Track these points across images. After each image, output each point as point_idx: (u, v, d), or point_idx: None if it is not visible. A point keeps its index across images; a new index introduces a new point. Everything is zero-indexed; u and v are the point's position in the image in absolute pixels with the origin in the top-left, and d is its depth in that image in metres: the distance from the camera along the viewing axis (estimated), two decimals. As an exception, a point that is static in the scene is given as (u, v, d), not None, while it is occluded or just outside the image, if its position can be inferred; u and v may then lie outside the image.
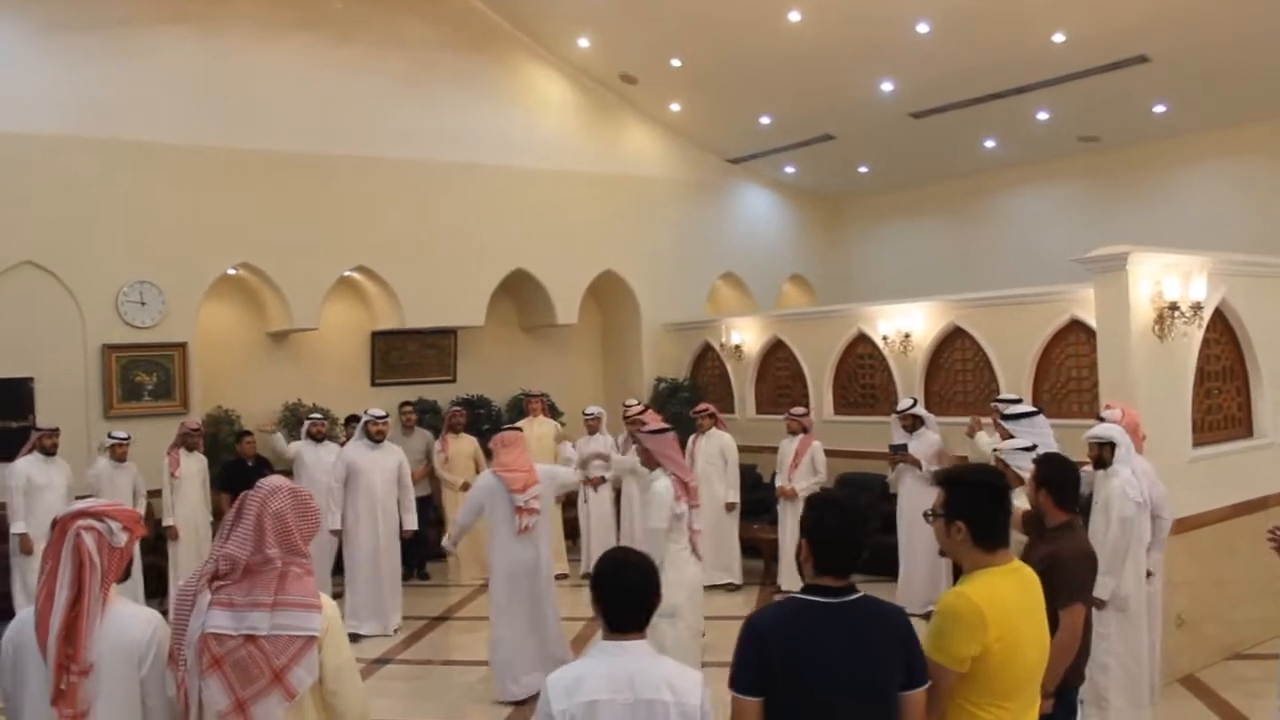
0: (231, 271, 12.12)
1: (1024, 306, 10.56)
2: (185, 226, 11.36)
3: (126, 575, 3.47)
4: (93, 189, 10.95)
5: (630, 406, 10.61)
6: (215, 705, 3.24)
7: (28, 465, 9.16)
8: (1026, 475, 4.93)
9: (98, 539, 3.29)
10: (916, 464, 9.06)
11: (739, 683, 3.03)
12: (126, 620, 3.32)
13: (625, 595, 3.12)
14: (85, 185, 10.91)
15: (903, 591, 9.27)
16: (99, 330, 10.96)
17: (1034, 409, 6.87)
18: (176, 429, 10.43)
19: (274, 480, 3.48)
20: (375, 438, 9.63)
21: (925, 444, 9.13)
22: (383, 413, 9.82)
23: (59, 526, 3.32)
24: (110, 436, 9.86)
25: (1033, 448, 5.61)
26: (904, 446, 9.12)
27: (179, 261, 11.32)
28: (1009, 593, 3.21)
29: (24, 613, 3.38)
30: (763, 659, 2.97)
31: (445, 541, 8.64)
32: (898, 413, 9.39)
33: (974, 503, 3.26)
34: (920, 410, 9.32)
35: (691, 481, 6.81)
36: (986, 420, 9.22)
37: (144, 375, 11.10)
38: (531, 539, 7.51)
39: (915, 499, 9.16)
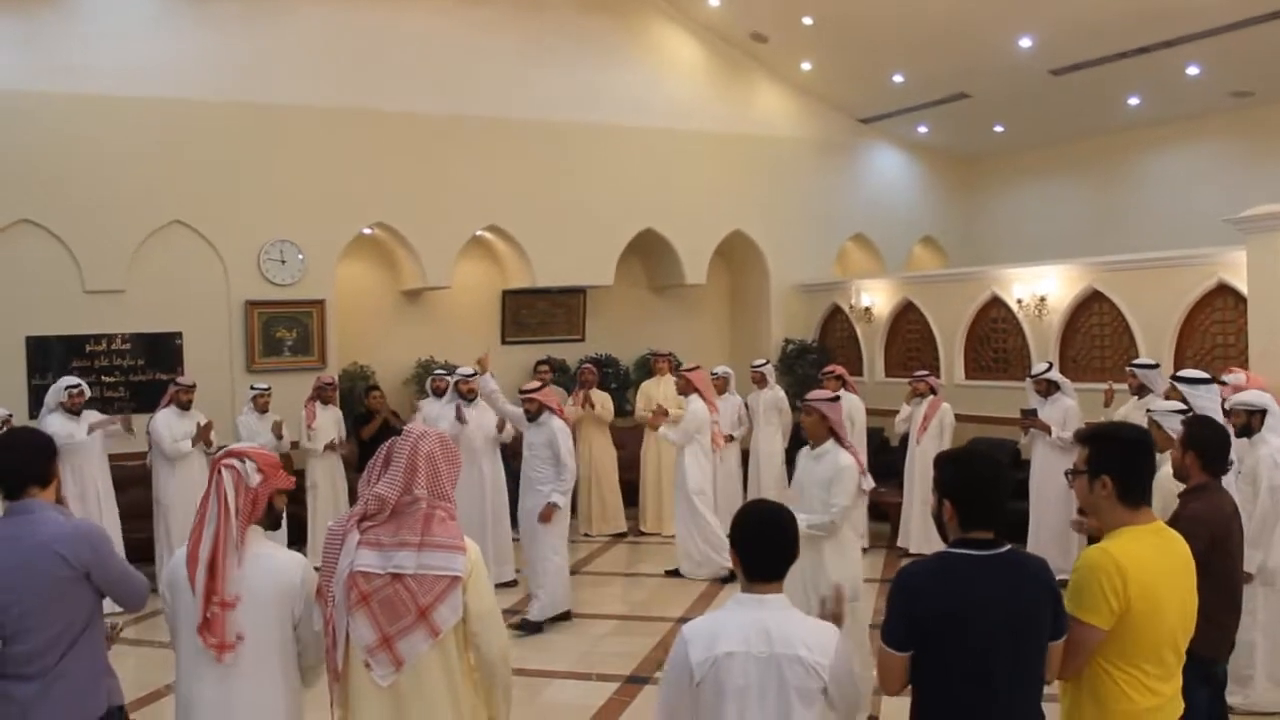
0: (367, 231, 12.43)
1: (1168, 270, 10.22)
2: (324, 188, 11.69)
3: (276, 524, 3.64)
4: (238, 151, 11.34)
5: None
6: (362, 640, 3.38)
7: (166, 418, 9.54)
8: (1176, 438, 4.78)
9: (235, 477, 3.48)
10: (1048, 430, 8.85)
11: (890, 636, 3.09)
12: (276, 561, 3.51)
13: (767, 545, 3.15)
14: (231, 147, 11.30)
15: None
16: (242, 287, 11.39)
17: (1208, 376, 6.67)
18: (312, 383, 10.80)
19: (421, 425, 3.63)
20: (467, 396, 9.71)
21: (1059, 409, 8.92)
22: (471, 370, 9.87)
23: (212, 467, 3.55)
24: (252, 388, 10.27)
25: (1185, 412, 5.45)
26: (1035, 411, 8.92)
27: (317, 221, 11.67)
28: (1151, 552, 3.18)
29: (180, 551, 3.58)
30: (916, 613, 3.04)
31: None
32: (1032, 377, 9.18)
33: (1121, 458, 3.23)
34: (1055, 375, 9.10)
35: (862, 459, 6.30)
36: (1120, 386, 9.02)
37: (284, 331, 11.50)
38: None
39: (1047, 466, 8.98)
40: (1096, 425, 3.68)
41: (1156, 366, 8.69)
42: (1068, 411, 8.87)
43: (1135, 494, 3.22)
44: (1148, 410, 5.90)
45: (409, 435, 3.52)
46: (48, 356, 10.56)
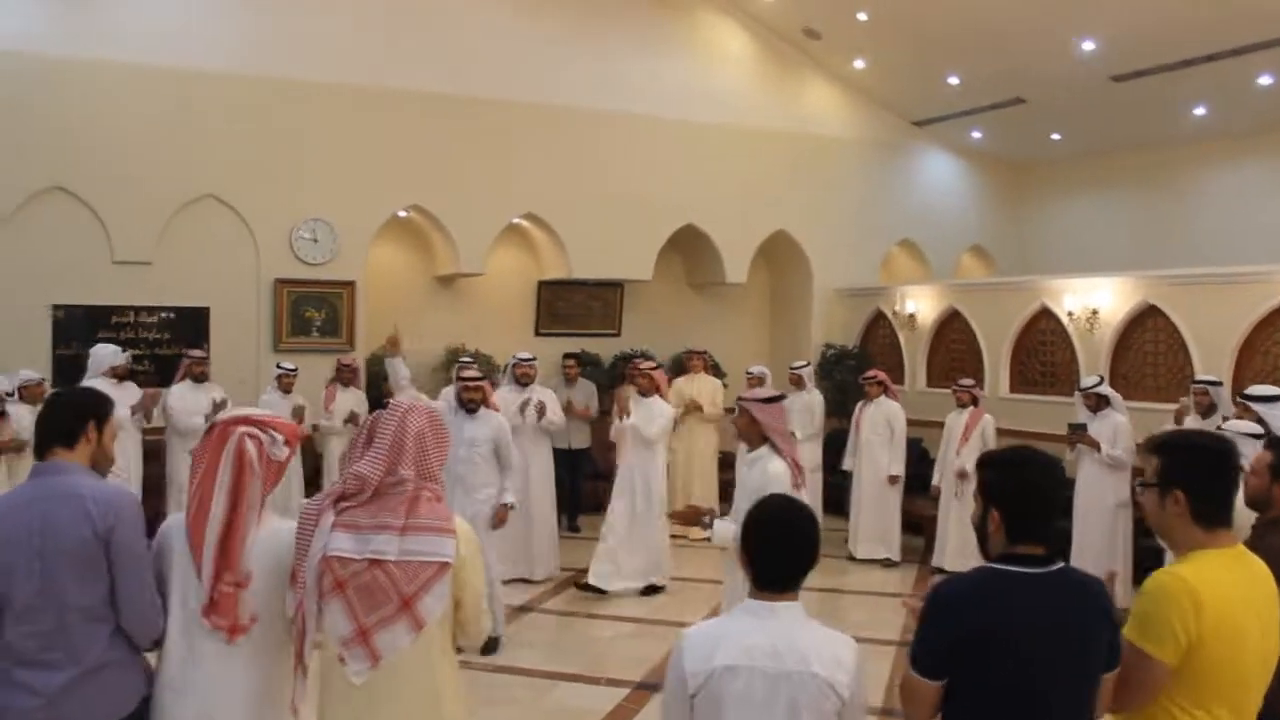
0: (402, 214, 12.21)
1: (1229, 286, 9.81)
2: (360, 167, 11.47)
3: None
4: (273, 126, 11.14)
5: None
6: (337, 631, 3.07)
7: (181, 392, 9.37)
8: (1246, 464, 4.35)
9: (259, 448, 3.19)
10: (1097, 446, 8.42)
11: (922, 663, 2.72)
12: (284, 535, 3.21)
13: (783, 548, 2.80)
14: (266, 122, 11.10)
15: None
16: (272, 265, 11.19)
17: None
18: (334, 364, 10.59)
19: (409, 399, 3.30)
20: (521, 380, 9.49)
21: (1109, 426, 8.48)
22: (529, 355, 9.75)
23: (218, 431, 3.21)
24: (279, 367, 10.07)
25: (1262, 435, 5.08)
26: (1084, 426, 8.50)
27: (352, 201, 11.45)
28: (1230, 579, 2.77)
29: (176, 515, 3.29)
30: (953, 636, 2.66)
31: None
32: (1082, 390, 8.75)
33: (1197, 469, 2.83)
34: (1106, 389, 8.67)
35: (801, 464, 5.52)
36: (1165, 406, 8.63)
37: (313, 311, 11.30)
38: None
39: (1093, 484, 8.55)
40: (1171, 432, 3.24)
41: (1221, 384, 8.25)
42: (1118, 428, 8.45)
43: (1212, 513, 2.81)
44: (1217, 428, 5.53)
45: (395, 410, 3.22)
46: (73, 326, 10.39)
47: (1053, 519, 2.77)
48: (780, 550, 2.79)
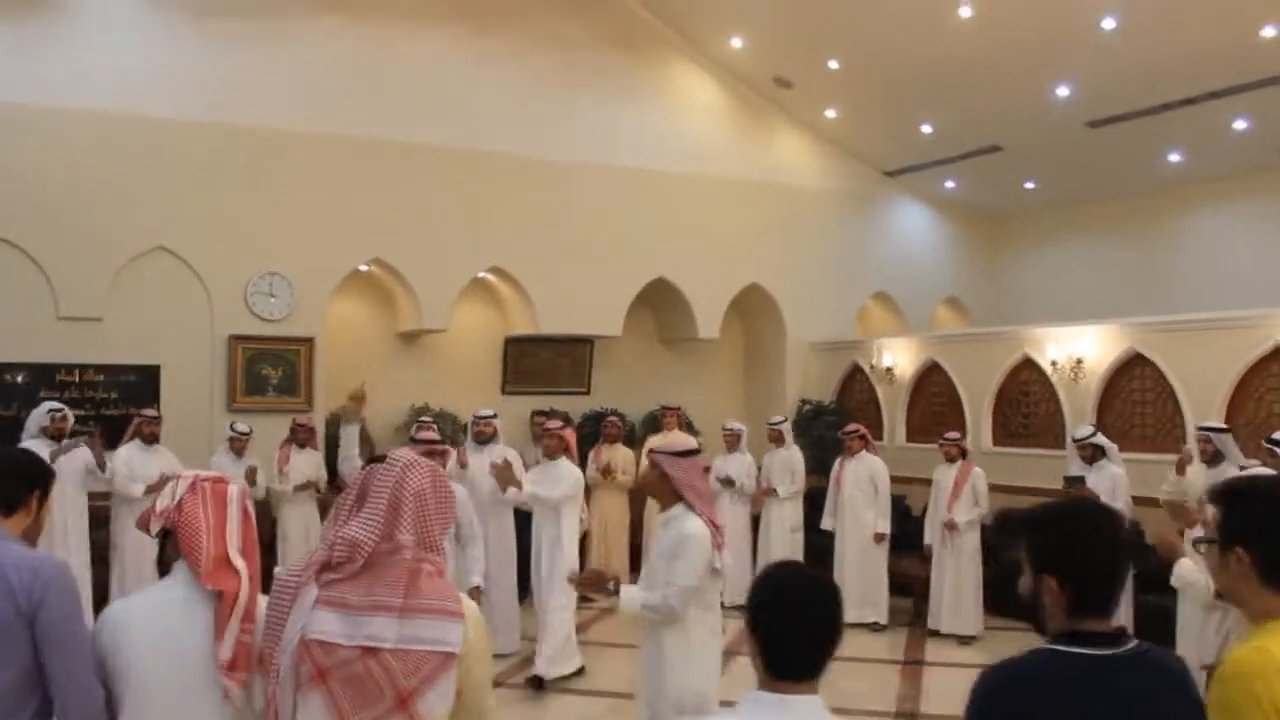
0: (363, 268, 11.78)
1: (1217, 332, 9.56)
2: (319, 219, 11.05)
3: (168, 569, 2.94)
4: (228, 175, 10.71)
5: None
6: None
7: (128, 454, 8.82)
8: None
9: (244, 496, 2.97)
10: (1095, 499, 8.03)
11: None
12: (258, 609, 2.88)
13: (800, 626, 2.27)
14: (221, 171, 10.68)
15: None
16: (226, 320, 10.70)
17: None
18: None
19: (410, 453, 2.76)
20: (478, 439, 8.98)
21: (1105, 478, 8.09)
22: (490, 412, 9.25)
23: (210, 489, 2.89)
24: (232, 430, 9.52)
25: None
26: (1082, 479, 8.10)
27: (311, 254, 11.01)
28: None
29: (120, 607, 2.84)
30: None
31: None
32: (1076, 441, 8.37)
33: (1263, 522, 2.31)
34: (1102, 439, 8.30)
35: (720, 523, 4.75)
36: (1164, 457, 8.27)
37: (270, 369, 10.79)
38: None
39: (1093, 538, 8.14)
40: (1234, 478, 2.65)
41: (1229, 430, 7.87)
42: (1115, 480, 8.06)
43: None
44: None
45: (393, 465, 2.71)
46: (14, 385, 9.84)
47: (1120, 584, 2.28)
48: (796, 629, 2.27)
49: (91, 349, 10.19)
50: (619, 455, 11.16)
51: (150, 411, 9.22)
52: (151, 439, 8.93)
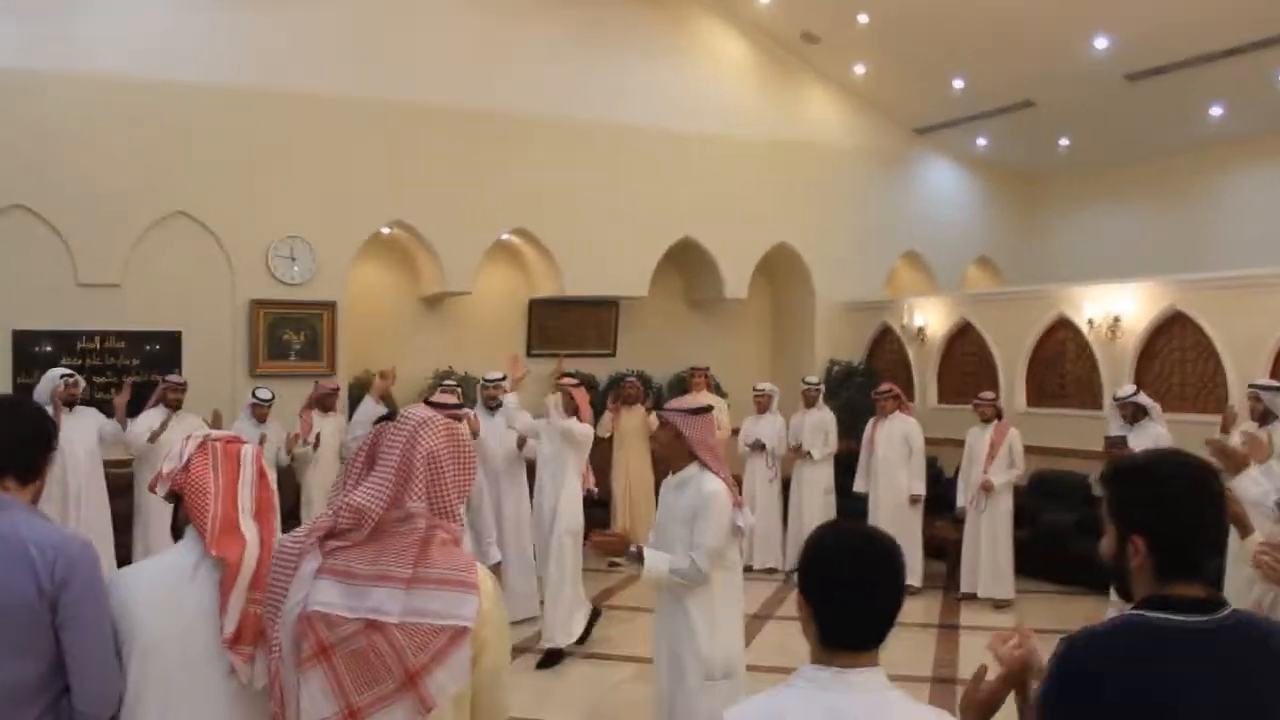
0: (385, 230, 11.60)
1: (1261, 289, 9.31)
2: (340, 182, 10.87)
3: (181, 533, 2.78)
4: (248, 141, 10.53)
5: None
6: (317, 711, 2.32)
7: (149, 418, 8.68)
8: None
9: (258, 457, 2.80)
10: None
11: None
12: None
13: (859, 592, 2.05)
14: (241, 135, 10.49)
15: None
16: (248, 285, 10.56)
17: None
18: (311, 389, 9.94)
19: (425, 410, 2.53)
20: (489, 404, 8.77)
21: (1148, 438, 7.83)
22: (500, 375, 8.92)
23: (223, 447, 2.71)
24: (254, 396, 9.37)
25: None
26: (1124, 440, 7.87)
27: (332, 218, 10.84)
28: None
29: (128, 572, 2.69)
30: (1097, 713, 1.97)
31: None
32: (1117, 400, 8.13)
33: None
34: (1144, 398, 8.05)
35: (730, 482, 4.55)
36: (1199, 419, 8.05)
37: (291, 334, 10.66)
38: None
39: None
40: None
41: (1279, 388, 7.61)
42: (1158, 440, 7.78)
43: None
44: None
45: (406, 422, 2.47)
46: (35, 353, 9.74)
47: (1218, 547, 2.09)
48: (855, 595, 2.04)
49: (112, 316, 10.07)
50: (637, 417, 10.95)
51: (175, 377, 9.08)
52: (176, 405, 8.80)
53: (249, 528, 2.62)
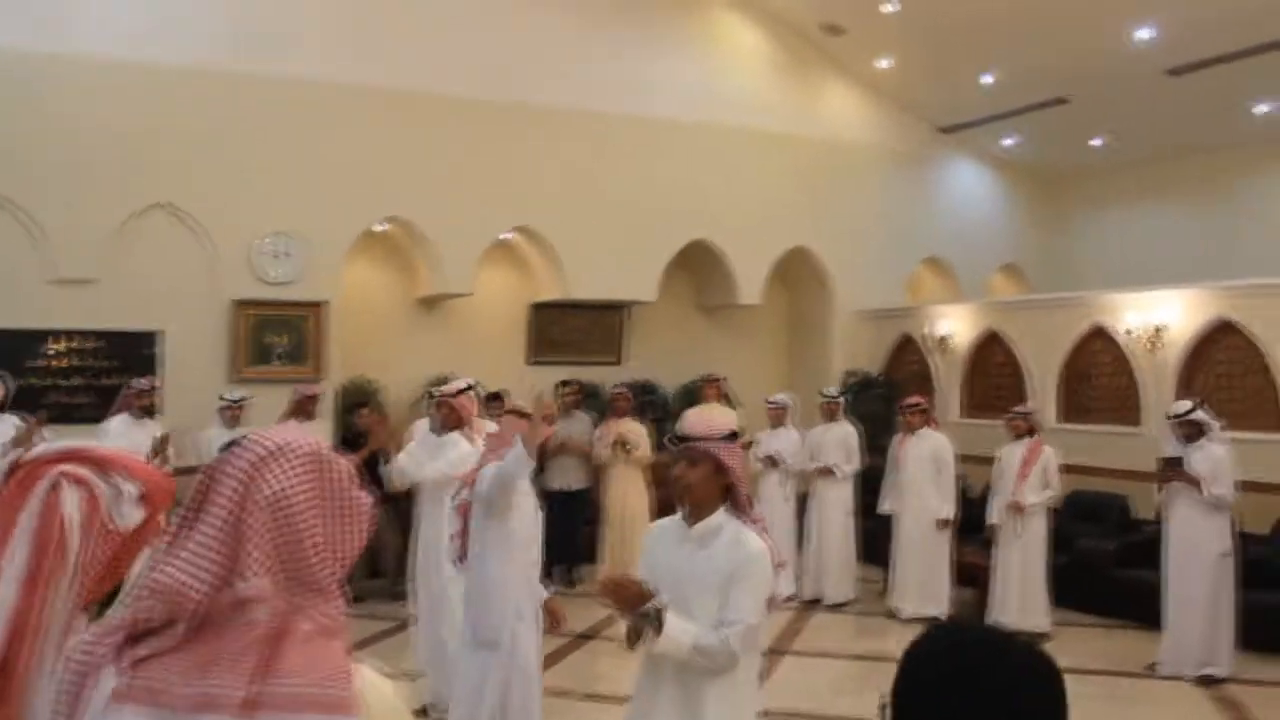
0: (379, 227, 10.95)
1: (1318, 296, 8.60)
2: (332, 175, 10.20)
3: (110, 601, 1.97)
4: (235, 129, 9.87)
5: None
6: None
7: (116, 428, 8.05)
8: None
9: (90, 503, 1.88)
10: (1196, 484, 7.06)
11: None
12: None
13: None
14: (227, 124, 9.84)
15: (1169, 651, 7.29)
16: (231, 284, 9.89)
17: None
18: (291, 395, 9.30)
19: (276, 435, 1.69)
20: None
21: (1207, 459, 7.12)
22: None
23: (24, 474, 1.91)
24: (222, 399, 8.75)
25: None
26: (1180, 461, 7.15)
27: (323, 213, 10.17)
28: None
29: None
30: None
31: None
32: (1173, 418, 7.39)
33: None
34: (1202, 415, 7.31)
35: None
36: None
37: (276, 336, 9.99)
38: None
39: (1191, 530, 7.17)
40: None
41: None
42: (1218, 462, 7.10)
43: None
44: None
45: (241, 455, 1.65)
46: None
47: None
48: None
49: (85, 314, 9.41)
50: (631, 430, 10.15)
51: (141, 382, 8.46)
52: (144, 411, 8.15)
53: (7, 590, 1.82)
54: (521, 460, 4.83)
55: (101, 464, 1.93)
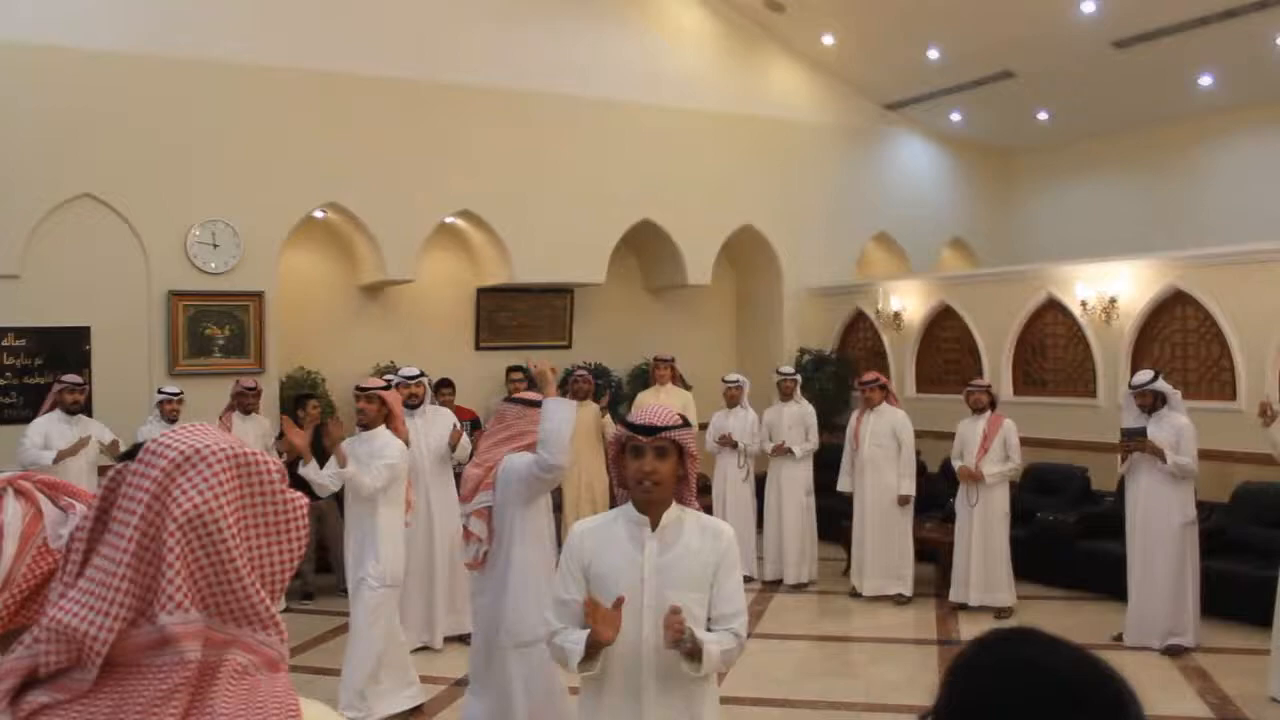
0: (319, 215, 10.62)
1: (1271, 265, 8.57)
2: (267, 160, 9.89)
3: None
4: (165, 114, 9.52)
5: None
6: None
7: (46, 425, 7.72)
8: None
9: (32, 517, 1.58)
10: (1160, 455, 6.97)
11: None
12: None
13: None
14: (156, 110, 9.49)
15: (1135, 621, 7.24)
16: (165, 275, 9.55)
17: None
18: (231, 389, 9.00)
19: (188, 437, 1.40)
20: (408, 401, 7.46)
21: (1169, 429, 7.05)
22: (415, 372, 7.78)
23: None
24: (160, 392, 8.43)
25: None
26: (1143, 431, 7.07)
27: (259, 200, 9.85)
28: None
29: None
30: None
31: None
32: (1134, 388, 7.31)
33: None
34: (1163, 385, 7.24)
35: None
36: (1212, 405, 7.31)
37: (215, 328, 9.65)
38: None
39: (1155, 500, 7.10)
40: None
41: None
42: (1181, 431, 7.03)
43: None
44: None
45: (150, 464, 1.35)
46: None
47: None
48: None
49: (10, 310, 9.04)
50: (589, 414, 9.84)
51: (72, 378, 8.13)
52: (74, 408, 7.82)
53: None
54: (564, 403, 4.52)
55: (50, 486, 1.69)
